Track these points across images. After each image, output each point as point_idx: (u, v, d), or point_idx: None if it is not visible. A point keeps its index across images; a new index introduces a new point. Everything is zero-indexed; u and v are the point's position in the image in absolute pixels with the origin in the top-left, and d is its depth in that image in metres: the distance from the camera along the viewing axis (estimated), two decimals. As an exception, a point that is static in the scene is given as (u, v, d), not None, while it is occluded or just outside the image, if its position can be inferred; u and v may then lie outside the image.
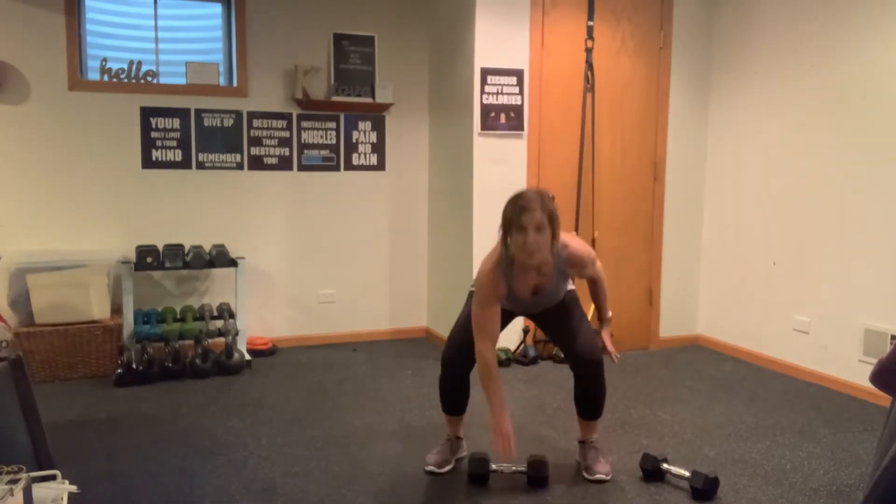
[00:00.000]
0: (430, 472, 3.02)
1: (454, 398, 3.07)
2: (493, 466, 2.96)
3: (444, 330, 5.08)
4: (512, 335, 4.70)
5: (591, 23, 4.74)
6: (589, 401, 3.03)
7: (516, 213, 2.67)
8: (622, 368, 4.62)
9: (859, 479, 3.01)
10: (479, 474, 2.93)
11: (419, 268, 5.38)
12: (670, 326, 5.18)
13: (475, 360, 2.84)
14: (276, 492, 2.85)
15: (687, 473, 2.89)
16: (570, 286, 3.05)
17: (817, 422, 3.69)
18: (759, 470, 3.10)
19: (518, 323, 4.70)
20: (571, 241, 2.90)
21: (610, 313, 3.14)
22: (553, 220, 2.69)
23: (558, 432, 3.50)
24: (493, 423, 2.78)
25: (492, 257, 2.83)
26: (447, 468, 3.05)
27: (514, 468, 2.93)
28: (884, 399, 3.78)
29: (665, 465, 2.98)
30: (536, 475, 2.90)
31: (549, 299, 2.93)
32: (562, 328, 3.02)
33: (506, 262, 2.77)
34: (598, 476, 2.96)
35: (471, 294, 3.04)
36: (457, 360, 2.99)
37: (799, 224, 4.43)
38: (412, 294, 5.38)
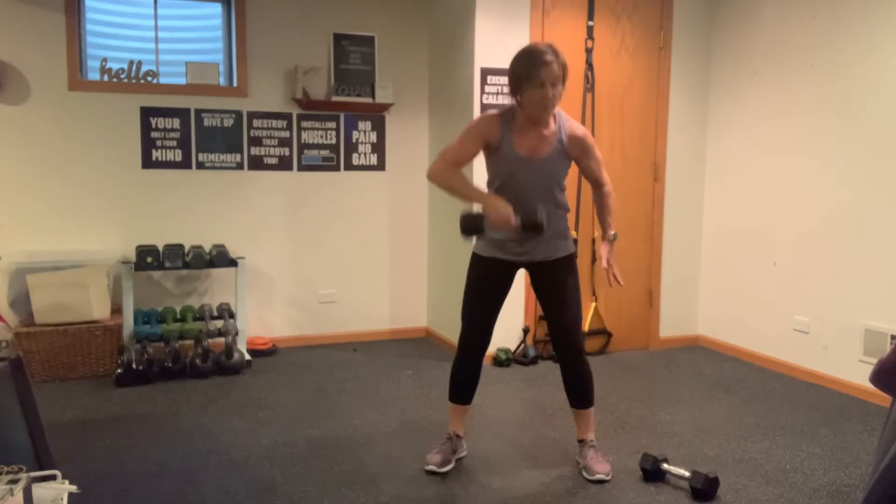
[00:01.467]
0: (431, 472, 3.02)
1: (466, 384, 3.08)
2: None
3: (444, 330, 5.09)
4: (512, 335, 4.71)
5: (591, 23, 4.74)
6: (576, 388, 3.05)
7: (534, 67, 2.67)
8: (622, 368, 4.62)
9: (859, 479, 3.01)
10: (471, 224, 2.81)
11: (419, 268, 5.38)
12: (670, 326, 5.18)
13: (488, 342, 2.99)
14: (276, 492, 2.85)
15: (687, 473, 2.89)
16: (572, 247, 3.02)
17: (817, 422, 3.69)
18: (759, 470, 3.10)
19: (518, 323, 4.71)
20: (575, 121, 2.97)
21: (614, 231, 3.06)
22: (565, 76, 2.74)
23: (558, 432, 3.50)
24: (487, 209, 2.73)
25: (496, 109, 2.87)
26: (448, 468, 3.05)
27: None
28: (884, 399, 3.78)
29: (665, 465, 2.98)
30: (530, 225, 2.76)
31: (545, 168, 2.86)
32: (555, 293, 2.98)
33: (509, 116, 2.80)
34: (598, 476, 2.96)
35: (473, 256, 3.05)
36: (477, 342, 3.01)
37: (799, 224, 4.43)
38: (412, 294, 5.38)
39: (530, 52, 2.73)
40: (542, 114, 2.78)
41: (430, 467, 3.03)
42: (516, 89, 2.77)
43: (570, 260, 3.01)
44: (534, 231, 2.77)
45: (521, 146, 2.84)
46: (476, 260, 3.03)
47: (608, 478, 2.97)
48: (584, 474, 3.01)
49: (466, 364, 3.07)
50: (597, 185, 3.05)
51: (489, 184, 2.99)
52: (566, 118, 2.94)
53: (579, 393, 3.07)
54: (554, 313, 3.01)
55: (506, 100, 4.61)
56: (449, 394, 3.13)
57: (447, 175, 2.85)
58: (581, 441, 3.12)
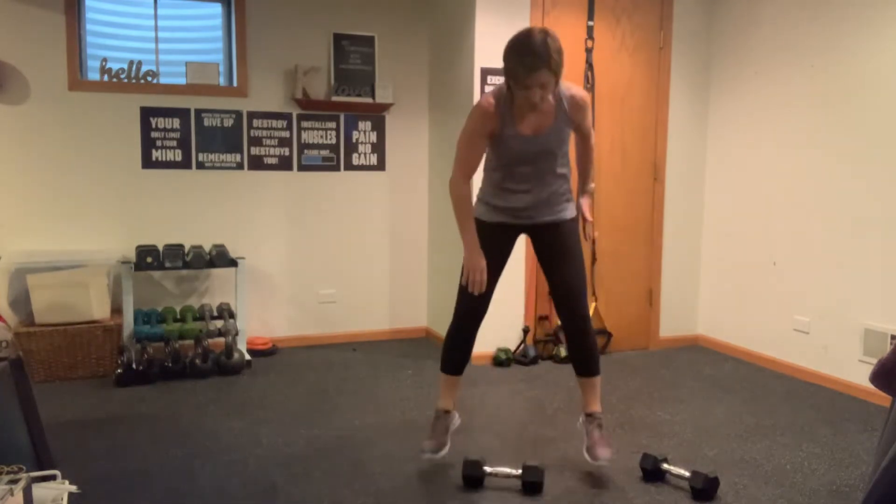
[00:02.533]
0: (429, 458, 3.00)
1: (460, 353, 3.06)
2: (488, 470, 2.94)
3: (444, 330, 5.08)
4: (512, 335, 4.71)
5: (591, 23, 4.75)
6: (584, 355, 3.01)
7: (522, 70, 2.58)
8: (622, 368, 4.62)
9: (859, 479, 3.01)
10: (473, 477, 2.91)
11: (419, 268, 5.38)
12: (670, 326, 5.18)
13: (484, 310, 2.98)
14: (276, 492, 2.85)
15: (687, 473, 2.89)
16: (575, 211, 3.03)
17: (817, 422, 3.69)
18: (759, 470, 3.10)
19: (518, 323, 4.71)
20: (572, 85, 2.88)
21: (593, 184, 3.11)
22: (558, 72, 2.64)
23: (558, 432, 3.50)
24: (467, 259, 2.82)
25: (491, 91, 2.80)
26: (444, 451, 3.01)
27: (509, 472, 2.91)
28: (884, 399, 3.78)
29: (665, 465, 2.98)
30: (532, 481, 2.85)
31: (550, 142, 2.86)
32: (560, 254, 2.96)
33: (506, 98, 2.73)
34: (601, 461, 2.92)
35: (475, 221, 3.02)
36: (474, 307, 2.98)
37: (799, 224, 4.43)
38: (412, 294, 5.38)
39: (522, 46, 2.62)
40: (532, 110, 2.75)
41: (427, 454, 3.00)
42: (508, 80, 2.69)
43: (574, 223, 3.00)
44: (532, 491, 2.85)
45: (523, 127, 2.81)
46: (478, 225, 2.94)
47: (608, 462, 2.95)
48: (586, 454, 2.96)
49: (462, 330, 3.03)
50: (585, 139, 3.04)
51: (490, 166, 2.97)
52: (565, 86, 2.83)
53: (587, 360, 3.02)
54: (559, 275, 2.96)
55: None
56: (441, 363, 3.09)
57: (456, 197, 2.84)
58: (589, 415, 3.05)
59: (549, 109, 2.81)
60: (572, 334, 3.02)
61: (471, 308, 3.00)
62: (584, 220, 3.10)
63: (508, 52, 2.67)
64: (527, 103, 2.69)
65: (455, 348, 3.06)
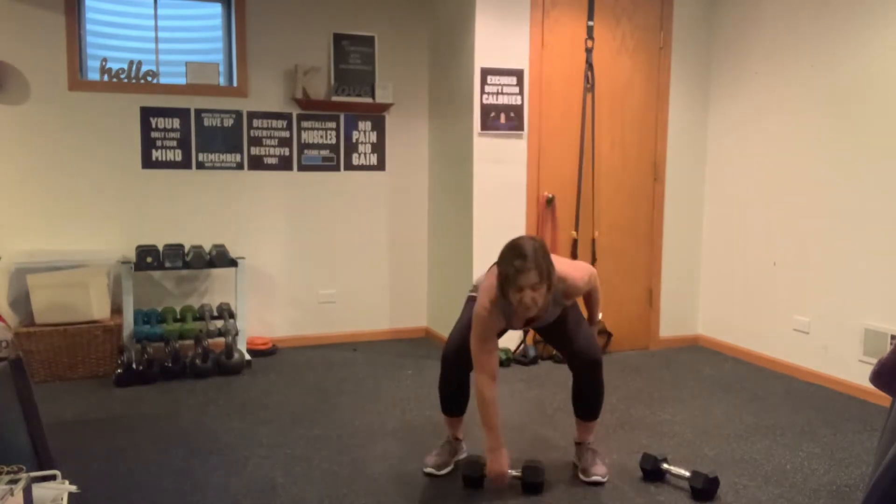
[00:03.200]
0: (429, 474, 3.02)
1: (454, 399, 3.07)
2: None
3: (444, 330, 5.08)
4: (512, 335, 4.70)
5: (591, 23, 4.74)
6: (587, 401, 3.03)
7: (512, 273, 2.62)
8: (622, 368, 4.62)
9: (859, 479, 3.01)
10: (473, 477, 2.91)
11: (419, 268, 5.38)
12: (670, 326, 5.18)
13: (470, 364, 2.91)
14: (276, 492, 2.85)
15: (687, 473, 2.89)
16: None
17: (817, 422, 3.69)
18: (759, 470, 3.10)
19: (518, 323, 4.70)
20: (569, 270, 2.87)
21: (600, 315, 3.16)
22: (549, 276, 2.67)
23: (558, 432, 3.50)
24: (489, 461, 2.80)
25: (489, 291, 2.79)
26: (446, 470, 3.04)
27: (511, 473, 2.92)
28: (884, 399, 3.78)
29: (665, 465, 2.98)
30: (532, 481, 2.87)
31: (545, 322, 2.95)
32: (559, 333, 3.01)
33: (503, 301, 2.75)
34: (595, 478, 2.96)
35: (469, 299, 3.04)
36: (457, 360, 2.98)
37: (799, 224, 4.43)
38: (412, 294, 5.38)
39: (514, 253, 2.66)
40: (526, 313, 2.76)
41: (429, 469, 3.03)
42: (502, 284, 2.69)
43: (571, 306, 3.01)
44: (531, 491, 2.87)
45: (519, 322, 2.88)
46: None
47: (604, 479, 2.97)
48: (581, 476, 3.01)
49: (450, 383, 3.03)
50: (588, 294, 3.05)
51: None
52: (562, 278, 2.82)
53: (588, 407, 3.04)
54: (564, 348, 3.03)
55: (505, 99, 4.62)
56: (441, 406, 3.11)
57: (480, 400, 2.81)
58: (579, 444, 3.11)
59: (543, 306, 2.81)
60: (580, 376, 3.00)
61: (453, 358, 2.98)
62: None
63: (502, 256, 2.70)
64: (521, 306, 2.69)
65: (449, 396, 3.06)
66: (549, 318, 2.93)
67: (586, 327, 3.03)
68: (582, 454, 3.06)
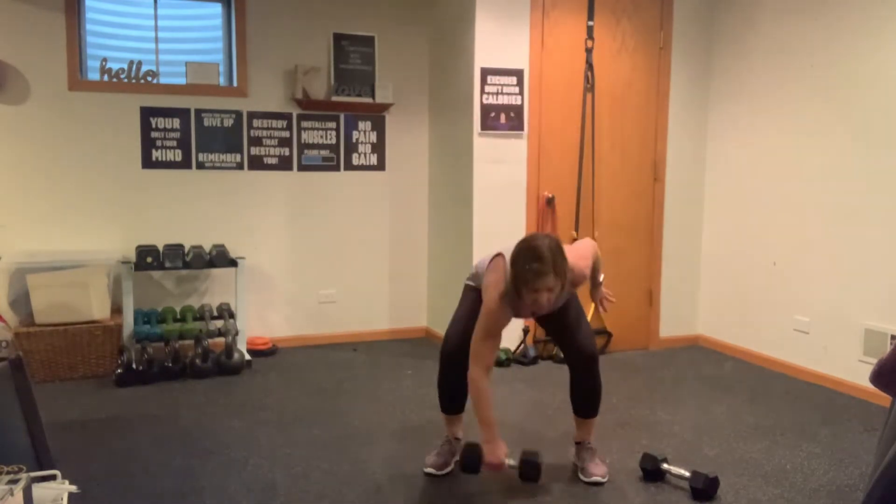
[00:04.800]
0: (429, 474, 3.02)
1: (453, 397, 3.06)
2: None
3: (444, 330, 5.08)
4: (512, 335, 4.70)
5: (591, 23, 4.74)
6: (585, 397, 3.02)
7: (531, 276, 2.61)
8: (622, 368, 4.62)
9: (859, 479, 3.01)
10: (470, 462, 2.86)
11: (419, 268, 5.38)
12: (670, 326, 5.18)
13: (466, 355, 2.88)
14: (276, 492, 2.85)
15: (687, 473, 2.89)
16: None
17: (817, 422, 3.69)
18: (759, 470, 3.10)
19: (518, 323, 4.70)
20: (575, 259, 2.84)
21: (602, 276, 3.17)
22: (564, 276, 2.67)
23: (557, 432, 3.50)
24: (486, 452, 2.79)
25: (497, 286, 2.77)
26: (446, 470, 3.04)
27: (508, 462, 2.90)
28: (884, 399, 3.77)
29: (665, 465, 2.98)
30: (531, 461, 2.85)
31: (550, 311, 2.93)
32: (560, 325, 3.01)
33: (512, 293, 2.74)
34: (595, 478, 2.96)
35: (466, 287, 3.04)
36: (457, 357, 2.98)
37: (799, 224, 4.43)
38: (412, 294, 5.38)
39: (531, 255, 2.62)
40: (539, 312, 2.78)
41: (429, 469, 3.03)
42: (516, 283, 2.68)
43: (571, 295, 3.01)
44: (530, 479, 2.88)
45: (525, 312, 2.88)
46: (475, 294, 2.96)
47: (604, 480, 2.97)
48: (581, 476, 3.01)
49: (448, 379, 3.03)
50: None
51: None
52: (570, 268, 2.79)
53: (587, 404, 3.04)
54: (563, 341, 3.03)
55: (505, 99, 4.62)
56: (440, 405, 3.10)
57: (475, 393, 2.80)
58: (578, 444, 3.10)
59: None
60: (577, 372, 3.00)
61: (452, 354, 2.98)
62: (605, 307, 3.19)
63: (516, 256, 2.67)
64: (535, 306, 2.70)
65: (448, 393, 3.06)
66: (555, 307, 2.92)
67: (586, 323, 3.03)
68: (582, 454, 3.06)
